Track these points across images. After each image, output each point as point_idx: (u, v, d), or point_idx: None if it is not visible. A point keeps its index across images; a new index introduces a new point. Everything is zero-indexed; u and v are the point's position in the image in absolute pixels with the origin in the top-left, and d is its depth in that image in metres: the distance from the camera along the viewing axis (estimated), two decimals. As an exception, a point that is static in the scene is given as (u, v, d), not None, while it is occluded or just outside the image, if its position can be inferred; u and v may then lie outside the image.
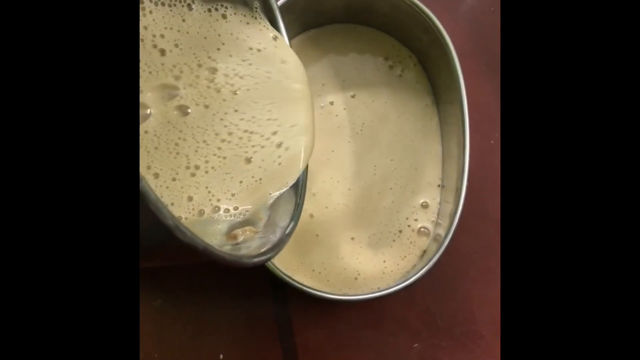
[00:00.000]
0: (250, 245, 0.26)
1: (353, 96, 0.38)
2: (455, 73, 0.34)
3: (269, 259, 0.25)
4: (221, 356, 0.36)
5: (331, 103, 0.38)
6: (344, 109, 0.38)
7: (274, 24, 0.31)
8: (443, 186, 0.37)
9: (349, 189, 0.37)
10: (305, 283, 0.34)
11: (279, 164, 0.29)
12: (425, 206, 0.37)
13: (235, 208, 0.28)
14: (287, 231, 0.28)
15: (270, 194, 0.29)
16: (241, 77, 0.29)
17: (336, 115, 0.38)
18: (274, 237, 0.28)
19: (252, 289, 0.37)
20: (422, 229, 0.36)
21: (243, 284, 0.37)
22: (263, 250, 0.26)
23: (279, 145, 0.29)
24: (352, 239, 0.36)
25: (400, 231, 0.36)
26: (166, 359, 0.36)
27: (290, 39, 0.33)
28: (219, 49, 0.29)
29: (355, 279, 0.35)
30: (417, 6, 0.35)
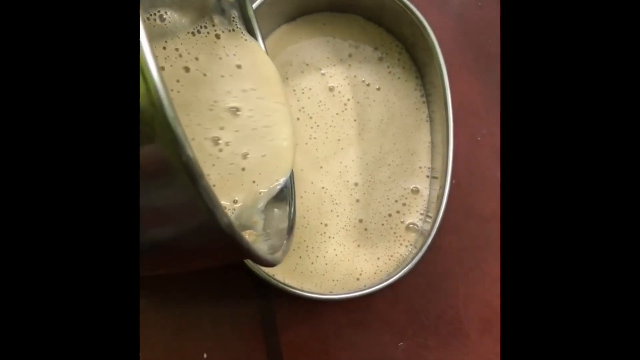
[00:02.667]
0: (259, 248, 0.27)
1: (351, 76, 0.38)
2: (440, 69, 0.33)
3: (282, 259, 0.26)
4: (205, 355, 0.35)
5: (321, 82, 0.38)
6: (339, 91, 0.38)
7: (250, 31, 0.32)
8: (434, 177, 0.37)
9: (340, 172, 0.37)
10: (296, 283, 0.34)
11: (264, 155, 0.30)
12: (415, 191, 0.36)
13: (235, 201, 0.28)
14: (287, 231, 0.30)
15: (260, 192, 0.29)
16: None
17: (336, 96, 0.38)
18: (280, 239, 0.29)
19: (235, 288, 0.36)
20: (411, 225, 0.36)
21: (226, 283, 0.36)
22: (276, 250, 0.27)
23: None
24: (349, 230, 0.36)
25: (390, 215, 0.36)
26: (150, 359, 0.36)
27: (273, 29, 0.33)
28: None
29: (357, 279, 0.35)
30: (402, 1, 0.34)
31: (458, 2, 0.43)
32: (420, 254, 0.32)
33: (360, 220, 0.36)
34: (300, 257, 0.35)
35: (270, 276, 0.32)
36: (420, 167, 0.37)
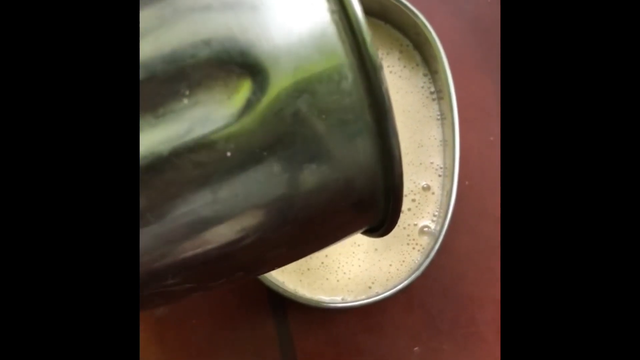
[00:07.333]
0: None
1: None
2: (444, 69, 0.33)
3: None
4: (221, 363, 0.36)
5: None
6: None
7: None
8: (446, 176, 0.36)
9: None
10: (309, 293, 0.34)
11: None
12: (426, 189, 0.36)
13: None
14: None
15: None
16: None
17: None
18: None
19: (250, 298, 0.36)
20: (425, 229, 0.36)
21: (241, 294, 0.37)
22: None
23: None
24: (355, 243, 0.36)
25: (402, 211, 0.35)
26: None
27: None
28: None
29: (370, 287, 0.35)
30: (403, 3, 0.34)
31: (467, 0, 0.42)
32: (430, 257, 0.32)
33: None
34: (327, 279, 0.35)
35: (281, 287, 0.32)
36: (431, 163, 0.36)
